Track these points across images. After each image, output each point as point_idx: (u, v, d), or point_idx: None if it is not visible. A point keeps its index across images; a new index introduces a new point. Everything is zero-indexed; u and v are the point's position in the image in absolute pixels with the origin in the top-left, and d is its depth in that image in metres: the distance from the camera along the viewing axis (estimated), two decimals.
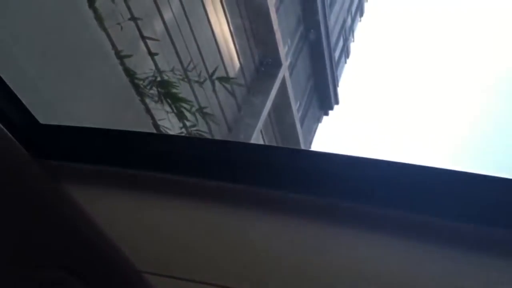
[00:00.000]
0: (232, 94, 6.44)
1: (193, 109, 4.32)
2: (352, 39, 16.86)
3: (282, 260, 1.25)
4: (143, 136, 1.27)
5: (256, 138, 7.78)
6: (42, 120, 1.26)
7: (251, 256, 1.30)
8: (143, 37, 5.10)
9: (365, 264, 1.11)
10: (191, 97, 5.74)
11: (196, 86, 5.51)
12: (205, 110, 4.81)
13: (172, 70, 4.60)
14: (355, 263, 1.12)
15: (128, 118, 3.48)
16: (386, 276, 1.19)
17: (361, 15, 17.45)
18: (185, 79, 4.98)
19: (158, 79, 4.31)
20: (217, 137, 7.02)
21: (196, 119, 4.45)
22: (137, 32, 5.04)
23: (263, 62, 8.38)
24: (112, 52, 3.82)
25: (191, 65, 5.17)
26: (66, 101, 2.56)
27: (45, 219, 1.27)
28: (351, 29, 16.29)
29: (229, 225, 1.26)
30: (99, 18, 3.49)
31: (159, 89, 4.03)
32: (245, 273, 1.40)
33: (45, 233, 1.32)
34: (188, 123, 4.31)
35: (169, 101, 4.04)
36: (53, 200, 1.21)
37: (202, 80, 4.94)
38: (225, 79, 5.18)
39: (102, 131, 1.21)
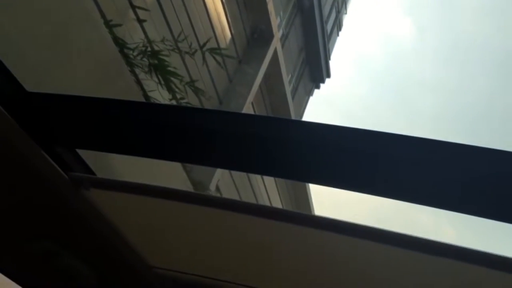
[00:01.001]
0: (223, 66, 6.40)
1: (183, 83, 4.29)
2: (345, 12, 16.72)
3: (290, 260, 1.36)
4: (130, 104, 1.27)
5: (247, 109, 7.77)
6: (30, 88, 1.25)
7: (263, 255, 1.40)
8: (133, 6, 5.04)
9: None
10: (181, 68, 5.70)
11: (187, 57, 5.46)
12: (196, 84, 4.78)
13: (162, 41, 4.55)
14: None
15: (118, 88, 3.46)
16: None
17: None
18: (176, 50, 4.93)
19: (149, 49, 4.27)
20: (208, 107, 7.00)
21: (186, 92, 4.42)
22: (127, 1, 4.97)
23: (254, 33, 8.31)
24: (101, 21, 3.78)
25: (182, 36, 5.12)
26: (54, 70, 2.54)
27: (33, 184, 1.28)
28: (344, 1, 16.14)
29: (242, 229, 1.35)
30: None
31: (149, 60, 3.99)
32: (256, 271, 1.47)
33: (32, 200, 1.33)
34: (178, 96, 4.28)
35: (158, 73, 4.01)
36: (38, 166, 1.22)
37: (192, 51, 4.90)
38: (215, 51, 5.13)
39: (89, 99, 1.21)
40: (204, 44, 4.95)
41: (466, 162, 0.94)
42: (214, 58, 5.06)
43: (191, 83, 4.62)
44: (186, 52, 5.02)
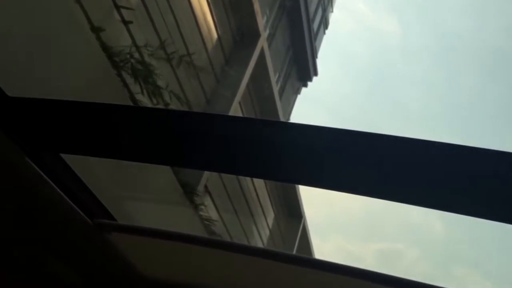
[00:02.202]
0: (201, 77, 6.45)
1: (168, 89, 4.29)
2: (331, 10, 16.76)
3: None
4: (114, 108, 1.27)
5: (235, 109, 7.76)
6: (13, 94, 1.24)
7: None
8: (117, 7, 5.01)
9: None
10: (167, 69, 5.68)
11: (173, 60, 5.46)
12: (182, 84, 4.78)
13: (145, 46, 4.54)
14: None
15: (104, 92, 3.44)
16: None
17: None
18: (160, 57, 4.93)
19: (135, 54, 4.25)
20: (195, 109, 6.99)
21: (171, 98, 4.41)
22: (111, 3, 4.94)
23: (241, 33, 8.31)
24: (86, 24, 3.76)
25: (168, 41, 5.12)
26: (39, 75, 2.52)
27: (59, 228, 1.36)
28: (330, 0, 16.18)
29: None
30: None
31: (133, 68, 3.98)
32: None
33: (58, 243, 1.43)
34: (162, 102, 4.28)
35: (140, 80, 4.00)
36: (65, 213, 1.28)
37: (172, 58, 4.94)
38: (196, 67, 5.20)
39: (73, 103, 1.20)
40: (183, 56, 4.98)
41: (455, 162, 0.95)
42: (194, 67, 5.10)
43: (176, 94, 4.63)
44: (163, 59, 5.04)
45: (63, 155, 1.33)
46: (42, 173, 1.25)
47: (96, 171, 2.45)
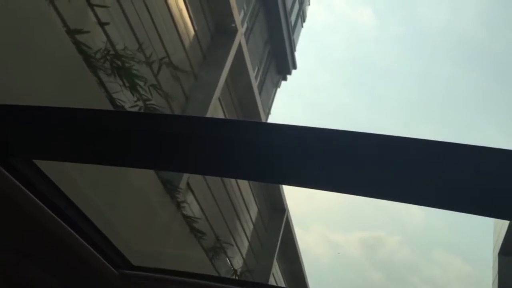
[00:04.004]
0: (176, 79, 6.44)
1: (147, 84, 4.25)
2: (308, 3, 16.78)
3: None
4: (92, 112, 1.25)
5: (214, 105, 7.73)
6: None
7: None
8: (91, 6, 4.95)
9: None
10: (146, 69, 5.64)
11: (151, 57, 5.42)
12: (160, 81, 4.74)
13: (124, 49, 4.50)
14: None
15: (80, 92, 3.40)
16: None
17: None
18: (135, 59, 4.92)
19: (111, 52, 4.20)
20: (175, 106, 6.95)
21: (151, 93, 4.37)
22: (85, 2, 4.87)
23: (218, 29, 8.27)
24: (60, 24, 3.70)
25: (146, 42, 5.08)
26: (10, 77, 2.47)
27: (86, 279, 1.41)
28: None
29: None
30: None
31: (112, 64, 3.93)
32: None
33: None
34: (143, 97, 4.24)
35: (121, 74, 3.96)
36: (91, 263, 1.31)
37: (151, 61, 4.92)
38: (174, 67, 5.17)
39: (46, 109, 1.18)
40: (162, 59, 4.96)
41: (436, 159, 0.95)
42: (173, 67, 5.08)
43: (156, 86, 4.59)
44: (144, 62, 5.01)
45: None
46: (107, 263, 1.31)
47: (72, 175, 2.42)
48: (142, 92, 4.19)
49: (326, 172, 1.05)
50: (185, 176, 6.78)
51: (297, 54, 14.98)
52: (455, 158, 0.90)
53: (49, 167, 1.39)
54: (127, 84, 4.03)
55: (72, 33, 3.69)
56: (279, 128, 1.05)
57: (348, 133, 1.01)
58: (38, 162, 1.34)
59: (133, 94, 4.11)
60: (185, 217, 6.12)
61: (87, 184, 3.18)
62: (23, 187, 1.25)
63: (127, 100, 4.40)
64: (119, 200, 4.20)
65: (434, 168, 0.93)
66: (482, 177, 0.91)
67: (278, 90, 15.00)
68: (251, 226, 11.36)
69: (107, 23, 4.82)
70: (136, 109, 4.43)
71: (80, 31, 3.82)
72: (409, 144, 0.94)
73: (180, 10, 7.16)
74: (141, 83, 4.13)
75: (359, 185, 1.06)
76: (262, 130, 1.12)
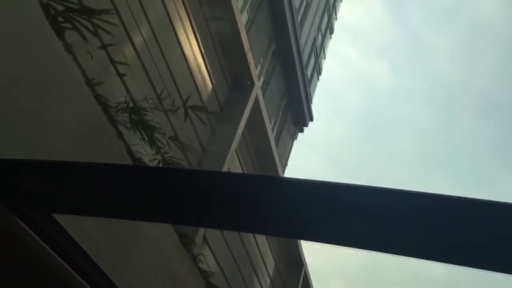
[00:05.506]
0: (204, 122, 6.47)
1: (165, 137, 4.29)
2: (324, 57, 17.04)
3: None
4: (108, 167, 1.26)
5: (231, 158, 7.76)
6: (10, 153, 1.24)
7: None
8: (113, 62, 5.08)
9: None
10: (164, 121, 5.71)
11: (169, 111, 5.49)
12: (179, 136, 4.79)
13: (145, 99, 4.58)
14: None
15: (101, 145, 3.44)
16: None
17: (331, 32, 17.67)
18: (159, 108, 4.97)
19: (131, 105, 4.28)
20: (192, 159, 6.98)
21: (169, 146, 4.40)
22: (107, 59, 5.01)
23: (235, 83, 8.40)
24: (82, 79, 3.79)
25: (164, 93, 5.16)
26: (35, 133, 2.52)
27: None
28: (322, 47, 16.47)
29: None
30: (68, 49, 3.45)
31: (131, 116, 3.99)
32: None
33: None
34: (161, 150, 4.27)
35: (140, 128, 4.01)
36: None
37: (174, 109, 4.96)
38: (198, 108, 5.19)
39: (66, 164, 1.20)
40: (186, 101, 5.00)
41: (454, 215, 0.93)
42: (197, 115, 5.12)
43: (174, 137, 4.62)
44: (169, 110, 5.06)
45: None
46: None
47: (87, 227, 2.42)
48: (160, 144, 4.23)
49: (347, 229, 1.04)
50: (202, 229, 6.74)
51: (313, 106, 15.10)
52: (481, 217, 0.89)
53: (67, 220, 1.39)
54: (145, 138, 4.08)
55: (92, 86, 3.78)
56: (300, 183, 1.05)
57: (361, 188, 1.00)
58: (56, 215, 1.35)
59: (151, 148, 4.14)
60: (201, 271, 6.04)
61: (104, 238, 3.17)
62: (41, 241, 1.25)
63: (146, 153, 4.44)
64: (135, 254, 4.17)
65: (455, 225, 0.91)
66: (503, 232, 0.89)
67: (295, 141, 15.04)
68: (268, 281, 11.15)
69: (124, 74, 4.93)
70: (155, 162, 4.46)
71: (99, 83, 3.90)
72: (436, 202, 0.93)
73: (198, 65, 7.31)
74: (160, 136, 4.17)
75: (381, 242, 1.04)
76: (280, 185, 1.12)
